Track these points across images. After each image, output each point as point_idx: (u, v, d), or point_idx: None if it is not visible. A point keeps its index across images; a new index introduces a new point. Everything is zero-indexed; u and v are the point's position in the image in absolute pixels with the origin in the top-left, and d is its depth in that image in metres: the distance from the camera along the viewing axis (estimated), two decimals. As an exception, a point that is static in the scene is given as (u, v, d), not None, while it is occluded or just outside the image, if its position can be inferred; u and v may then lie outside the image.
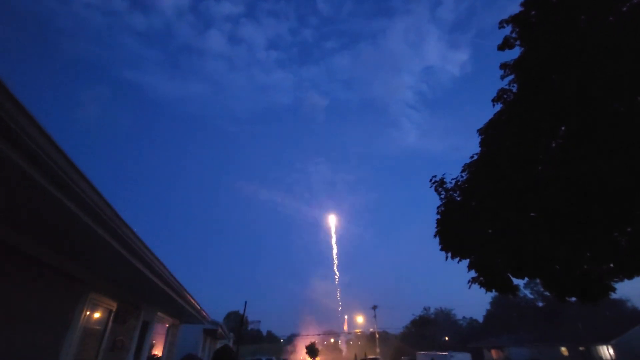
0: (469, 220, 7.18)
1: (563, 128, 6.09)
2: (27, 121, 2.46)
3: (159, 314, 10.59)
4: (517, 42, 6.97)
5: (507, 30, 7.07)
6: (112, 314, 7.14)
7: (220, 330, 22.52)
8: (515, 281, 7.24)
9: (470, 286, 7.50)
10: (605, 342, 32.22)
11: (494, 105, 7.42)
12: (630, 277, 5.90)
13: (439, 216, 8.04)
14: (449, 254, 7.61)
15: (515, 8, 7.09)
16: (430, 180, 8.46)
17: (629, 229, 5.70)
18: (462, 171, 7.94)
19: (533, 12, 6.73)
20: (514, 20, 6.92)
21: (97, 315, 6.56)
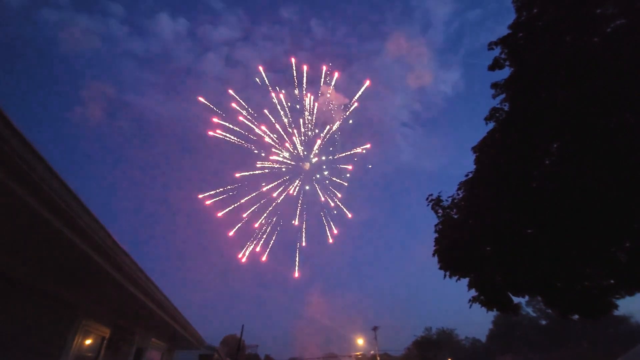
0: (467, 238, 7.15)
1: (555, 145, 6.18)
2: (21, 144, 2.48)
3: (153, 339, 10.29)
4: (507, 63, 7.15)
5: (497, 51, 7.27)
6: (105, 341, 6.92)
7: (216, 355, 21.85)
8: (517, 299, 7.16)
9: (471, 306, 7.42)
10: (611, 360, 31.52)
11: (487, 123, 7.54)
12: (630, 294, 5.86)
13: (436, 234, 8.03)
14: (448, 273, 7.55)
15: (502, 28, 7.32)
16: (427, 198, 8.50)
17: (627, 244, 5.70)
18: (458, 189, 7.98)
19: (520, 34, 6.95)
20: (502, 42, 7.12)
21: (89, 342, 6.36)
